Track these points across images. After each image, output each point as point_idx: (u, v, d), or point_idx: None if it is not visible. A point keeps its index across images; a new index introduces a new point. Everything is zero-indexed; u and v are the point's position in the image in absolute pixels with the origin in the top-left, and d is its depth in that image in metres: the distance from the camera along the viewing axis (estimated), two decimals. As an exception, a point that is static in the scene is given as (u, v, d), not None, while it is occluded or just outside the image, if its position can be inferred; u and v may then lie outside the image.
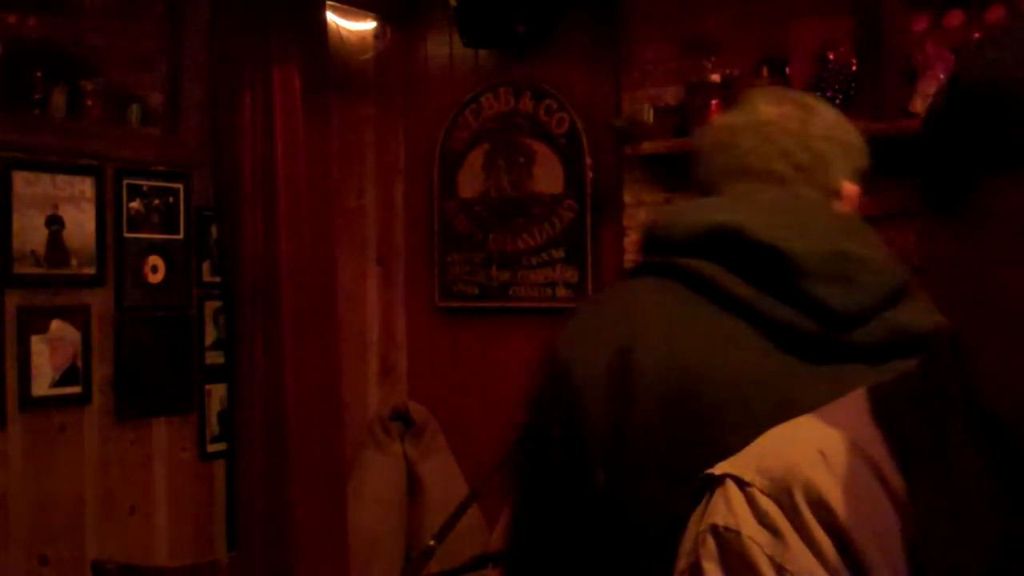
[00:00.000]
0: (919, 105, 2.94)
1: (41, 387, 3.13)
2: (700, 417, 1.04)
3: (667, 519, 0.96)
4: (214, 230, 3.61)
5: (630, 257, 3.70)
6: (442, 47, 4.11)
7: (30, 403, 3.09)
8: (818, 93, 3.18)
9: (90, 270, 3.27)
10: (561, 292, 3.85)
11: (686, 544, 0.72)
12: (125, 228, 3.37)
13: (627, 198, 3.70)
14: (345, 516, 3.73)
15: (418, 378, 4.18)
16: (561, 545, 1.12)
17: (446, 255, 4.10)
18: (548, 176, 3.86)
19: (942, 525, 0.65)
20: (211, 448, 3.59)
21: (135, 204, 3.40)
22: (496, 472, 2.55)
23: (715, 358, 1.06)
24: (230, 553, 3.56)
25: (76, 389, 3.22)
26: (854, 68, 3.15)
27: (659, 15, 3.63)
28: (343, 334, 3.89)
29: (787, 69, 3.29)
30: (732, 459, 0.73)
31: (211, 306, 3.61)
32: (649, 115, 3.54)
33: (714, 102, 3.36)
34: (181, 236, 3.53)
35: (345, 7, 3.98)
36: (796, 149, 1.23)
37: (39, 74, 3.21)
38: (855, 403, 0.73)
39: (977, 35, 2.77)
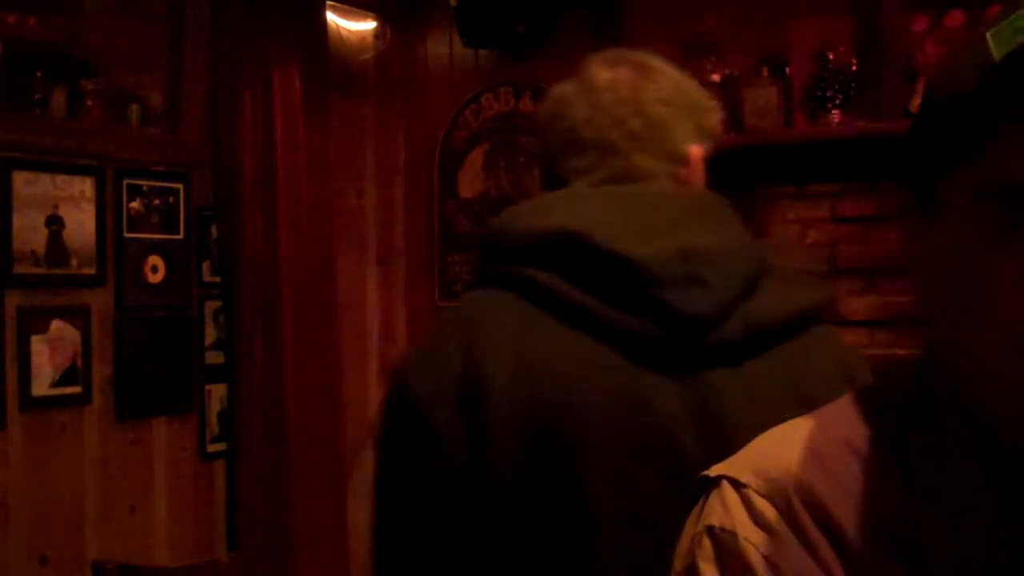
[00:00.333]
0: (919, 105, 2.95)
1: (41, 387, 3.13)
2: (559, 448, 0.97)
3: (534, 547, 0.96)
4: (214, 230, 3.61)
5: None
6: (442, 47, 4.11)
7: (30, 403, 3.10)
8: (818, 93, 3.19)
9: (90, 270, 3.27)
10: (561, 292, 3.84)
11: (682, 545, 0.72)
12: (125, 228, 3.37)
13: (627, 198, 3.69)
14: (345, 516, 3.73)
15: (418, 378, 4.18)
16: (428, 560, 1.06)
17: (446, 255, 4.10)
18: (548, 176, 3.86)
19: (939, 526, 0.65)
20: (211, 448, 3.59)
21: (135, 204, 3.41)
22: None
23: (567, 382, 0.99)
24: (230, 553, 3.56)
25: (76, 389, 3.23)
26: (854, 68, 3.15)
27: (659, 15, 3.63)
28: (343, 334, 3.89)
29: (787, 69, 3.30)
30: (728, 461, 0.73)
31: (211, 306, 3.61)
32: (649, 115, 3.53)
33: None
34: (181, 236, 3.53)
35: (345, 7, 3.98)
36: (630, 116, 1.15)
37: (39, 74, 3.21)
38: (848, 405, 0.74)
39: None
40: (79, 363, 3.23)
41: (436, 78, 4.15)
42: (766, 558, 0.66)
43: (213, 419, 3.60)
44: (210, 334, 3.61)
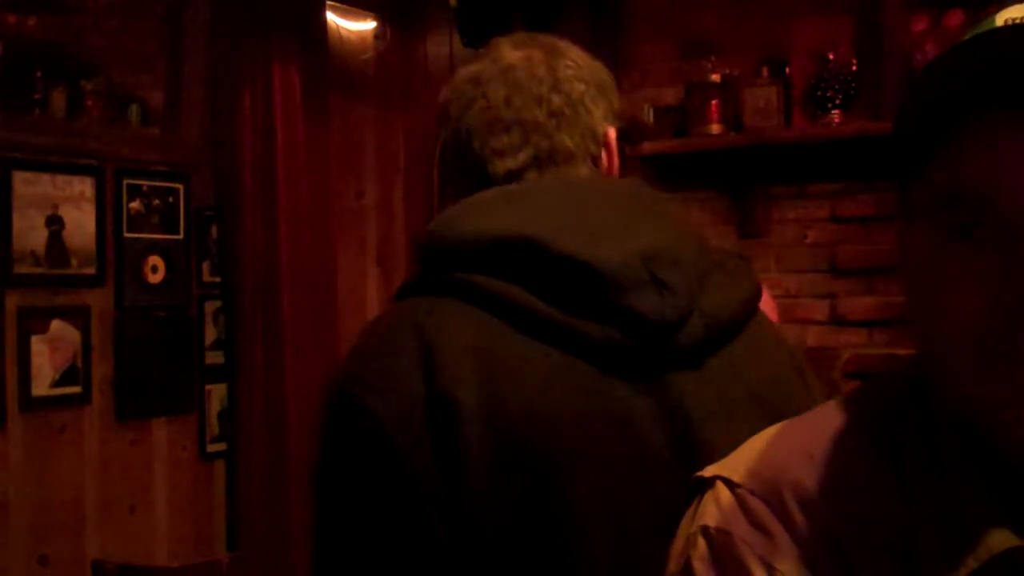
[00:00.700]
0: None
1: (41, 387, 3.13)
2: (537, 468, 0.92)
3: (516, 569, 0.91)
4: (214, 230, 3.62)
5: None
6: (442, 47, 4.11)
7: (30, 403, 3.10)
8: (818, 93, 3.19)
9: (90, 270, 3.27)
10: (561, 292, 3.84)
11: (676, 546, 0.72)
12: (125, 228, 3.37)
13: (627, 198, 3.70)
14: (345, 516, 3.73)
15: (418, 378, 4.18)
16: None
17: (446, 255, 4.09)
18: (548, 176, 3.86)
19: (932, 527, 0.65)
20: (211, 448, 3.59)
21: (135, 204, 3.41)
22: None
23: (540, 402, 0.93)
24: (230, 553, 3.56)
25: (76, 389, 3.23)
26: (854, 68, 3.16)
27: (659, 15, 3.63)
28: (343, 334, 3.88)
29: (787, 69, 3.30)
30: (722, 461, 0.73)
31: (211, 306, 3.61)
32: (649, 115, 3.54)
33: (714, 102, 3.36)
34: (181, 236, 3.53)
35: (345, 7, 3.98)
36: (549, 93, 1.11)
37: (39, 74, 3.21)
38: (840, 407, 0.74)
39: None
40: (79, 363, 3.23)
41: (436, 78, 4.14)
42: (761, 558, 0.67)
43: (213, 419, 3.60)
44: (210, 334, 3.61)
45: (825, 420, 0.73)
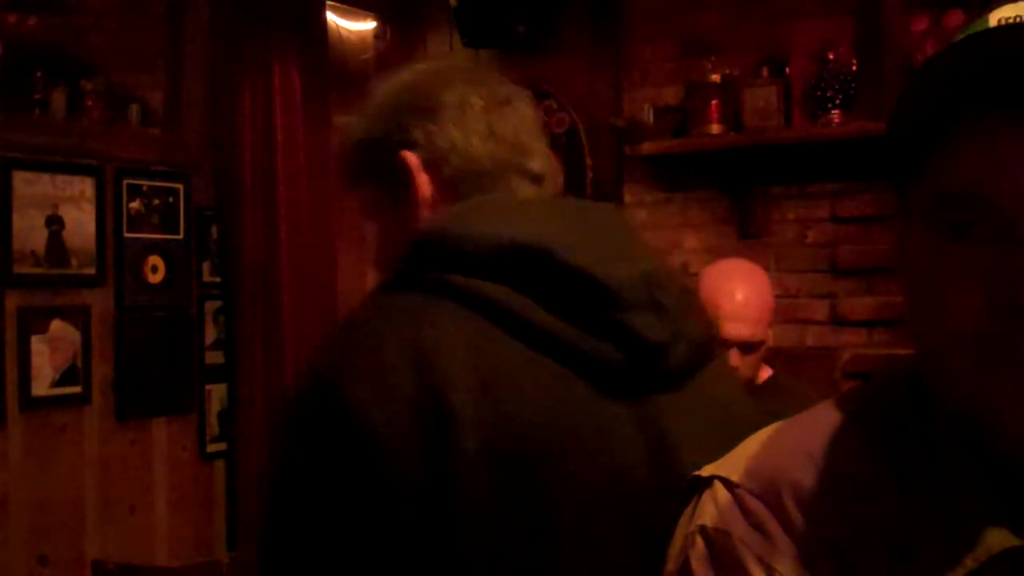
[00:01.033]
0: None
1: (41, 387, 3.13)
2: (530, 485, 0.90)
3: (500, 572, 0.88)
4: (214, 230, 3.61)
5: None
6: (442, 47, 4.11)
7: (30, 403, 3.10)
8: (818, 93, 3.18)
9: (90, 270, 3.27)
10: (561, 292, 3.84)
11: (674, 546, 0.72)
12: (125, 228, 3.37)
13: (627, 198, 3.70)
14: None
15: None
16: None
17: (446, 255, 4.09)
18: (548, 176, 3.86)
19: (930, 525, 0.65)
20: (211, 448, 3.59)
21: (135, 204, 3.41)
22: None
23: (536, 415, 0.92)
24: (230, 553, 3.56)
25: (76, 389, 3.23)
26: (854, 68, 3.15)
27: (659, 15, 3.63)
28: (343, 334, 3.88)
29: (787, 69, 3.29)
30: (720, 461, 0.73)
31: (211, 306, 3.61)
32: (649, 115, 3.54)
33: (714, 102, 3.36)
34: (181, 236, 3.53)
35: (345, 7, 3.98)
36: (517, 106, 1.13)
37: (39, 74, 3.21)
38: (837, 408, 0.74)
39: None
40: (79, 363, 3.23)
41: (436, 78, 4.14)
42: (759, 558, 0.66)
43: (213, 419, 3.60)
44: (210, 334, 3.61)
45: (823, 420, 0.73)
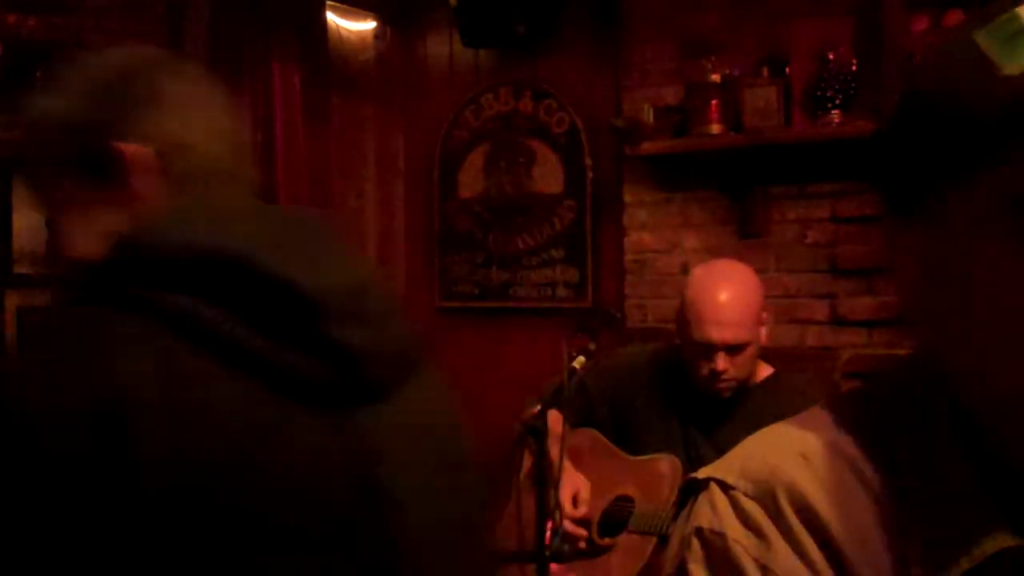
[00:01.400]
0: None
1: (41, 387, 3.13)
2: (216, 501, 0.83)
3: None
4: (214, 230, 3.62)
5: (629, 258, 3.71)
6: (442, 47, 4.11)
7: (30, 403, 3.10)
8: (818, 93, 3.18)
9: (90, 270, 3.27)
10: (561, 292, 3.85)
11: (672, 548, 0.72)
12: (125, 228, 3.37)
13: (627, 198, 3.70)
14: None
15: (418, 378, 4.18)
16: None
17: (446, 255, 4.10)
18: (548, 176, 3.87)
19: (926, 526, 0.65)
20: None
21: (135, 204, 3.41)
22: (493, 471, 2.55)
23: (226, 429, 0.86)
24: None
25: (76, 389, 3.23)
26: (854, 68, 3.15)
27: (659, 15, 3.63)
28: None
29: (787, 69, 3.29)
30: (716, 463, 0.73)
31: (211, 306, 3.61)
32: (649, 115, 3.54)
33: (714, 102, 3.36)
34: (181, 236, 3.53)
35: (345, 7, 3.99)
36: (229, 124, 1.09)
37: (39, 74, 3.21)
38: (832, 410, 0.74)
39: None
40: (79, 363, 3.23)
41: (436, 78, 4.15)
42: (755, 560, 0.66)
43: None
44: (210, 334, 3.61)
45: (819, 421, 0.72)
